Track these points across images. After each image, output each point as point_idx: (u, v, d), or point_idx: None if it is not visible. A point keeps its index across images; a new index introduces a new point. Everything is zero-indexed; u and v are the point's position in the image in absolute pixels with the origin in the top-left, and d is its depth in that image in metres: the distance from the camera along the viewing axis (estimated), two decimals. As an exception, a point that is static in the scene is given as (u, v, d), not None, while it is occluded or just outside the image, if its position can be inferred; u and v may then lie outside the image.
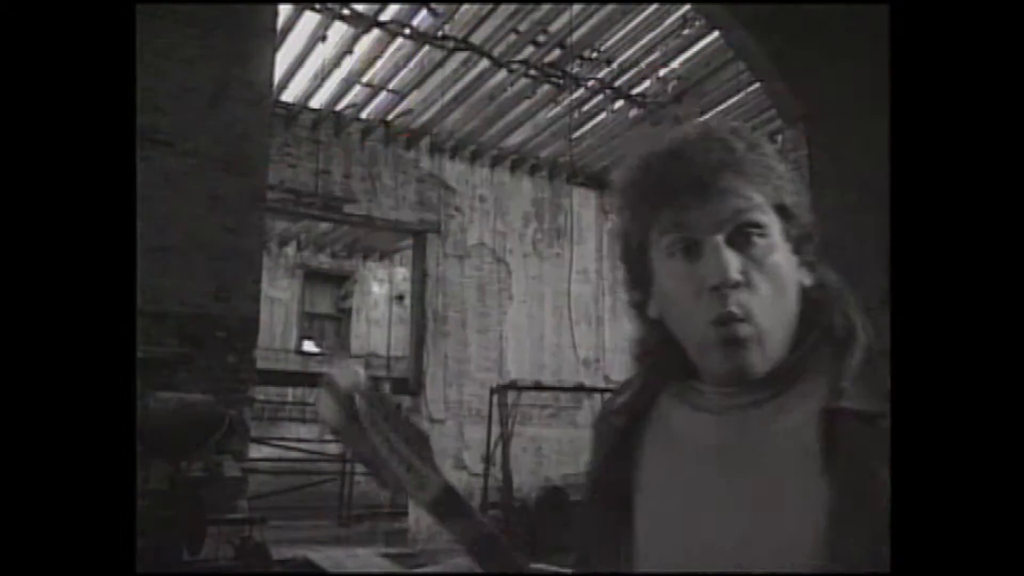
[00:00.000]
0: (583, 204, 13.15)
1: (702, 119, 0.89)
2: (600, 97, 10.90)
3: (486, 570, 0.90)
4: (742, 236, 0.83)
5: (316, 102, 10.88)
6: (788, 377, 0.85)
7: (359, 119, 11.22)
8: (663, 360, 0.94)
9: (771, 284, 0.82)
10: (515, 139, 12.15)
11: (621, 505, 0.93)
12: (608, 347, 12.88)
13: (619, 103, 11.05)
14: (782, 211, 0.86)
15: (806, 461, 0.79)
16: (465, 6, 9.35)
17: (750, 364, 0.82)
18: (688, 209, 0.83)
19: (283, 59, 9.02)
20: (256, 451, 8.58)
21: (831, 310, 0.87)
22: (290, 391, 14.99)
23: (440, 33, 9.58)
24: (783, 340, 0.84)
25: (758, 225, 0.83)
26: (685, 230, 0.83)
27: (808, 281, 0.87)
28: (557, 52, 9.92)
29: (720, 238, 0.82)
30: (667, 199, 0.84)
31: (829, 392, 0.81)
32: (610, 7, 9.15)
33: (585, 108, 11.16)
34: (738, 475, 0.84)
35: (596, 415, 1.05)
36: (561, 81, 10.44)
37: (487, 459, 10.04)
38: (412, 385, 11.53)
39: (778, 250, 0.84)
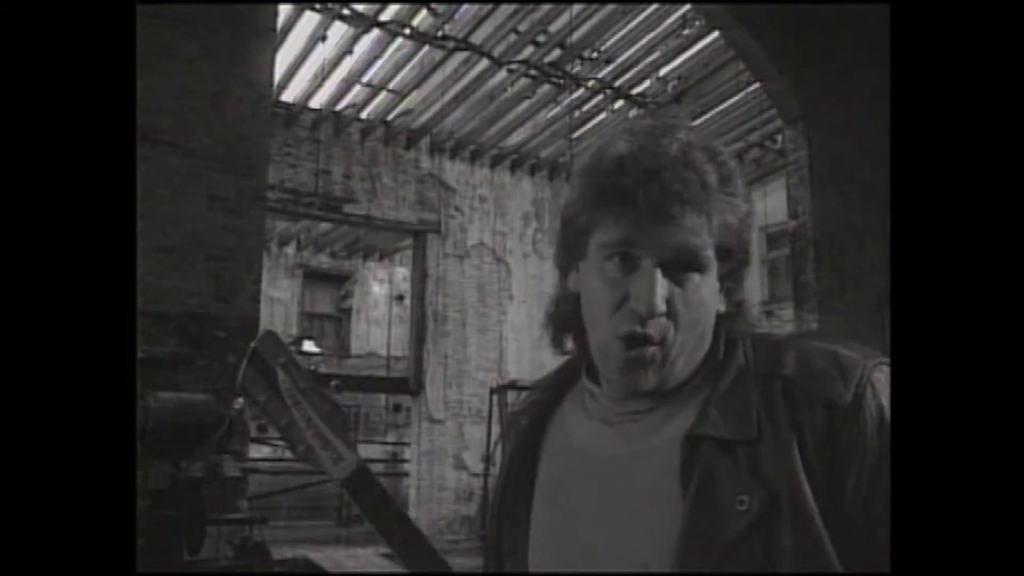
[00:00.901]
0: (583, 204, 13.13)
1: (689, 135, 0.88)
2: (600, 97, 10.90)
3: (407, 563, 0.92)
4: (679, 268, 0.83)
5: (316, 102, 10.88)
6: (673, 392, 0.86)
7: (359, 119, 11.22)
8: (570, 328, 0.94)
9: (692, 317, 0.83)
10: (515, 139, 12.15)
11: (522, 512, 0.94)
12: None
13: (619, 103, 11.05)
14: (724, 252, 0.85)
15: (668, 481, 0.81)
16: (465, 6, 9.34)
17: (647, 384, 0.83)
18: (639, 227, 0.82)
19: (283, 59, 9.02)
20: (256, 451, 8.58)
21: (730, 332, 0.88)
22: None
23: (440, 33, 9.58)
24: (687, 365, 0.85)
25: (699, 263, 0.83)
26: (627, 245, 0.83)
27: (723, 308, 0.88)
28: (557, 52, 9.92)
29: (656, 265, 0.82)
30: (623, 210, 0.82)
31: (696, 416, 0.83)
32: (610, 7, 9.15)
33: (585, 108, 11.16)
34: (614, 487, 0.85)
35: (507, 418, 1.07)
36: (561, 81, 10.44)
37: (487, 459, 10.04)
38: (412, 385, 11.53)
39: (707, 285, 0.84)
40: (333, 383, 0.98)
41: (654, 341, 0.82)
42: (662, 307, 0.81)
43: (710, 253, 0.83)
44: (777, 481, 0.76)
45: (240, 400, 0.93)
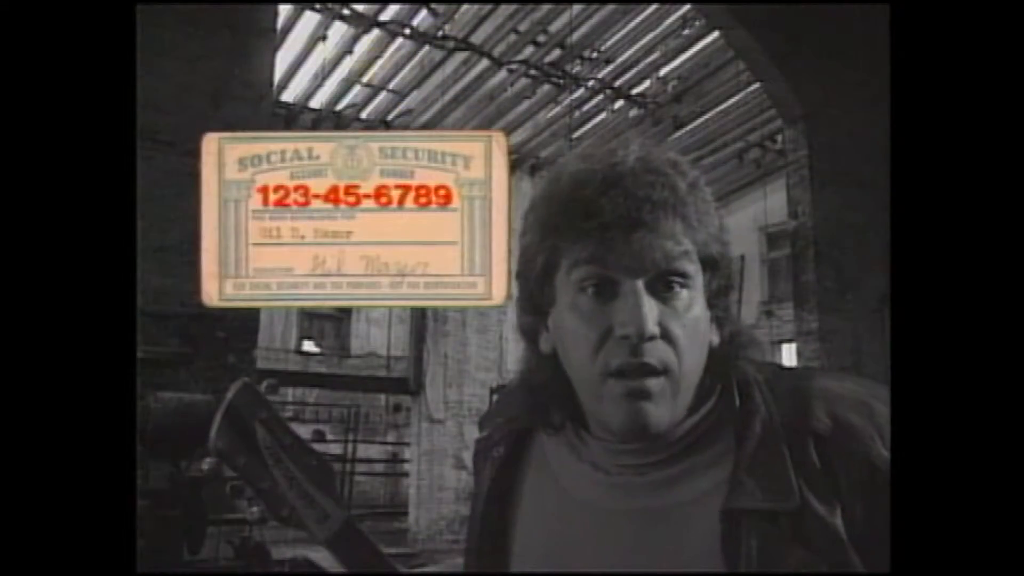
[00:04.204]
0: (583, 204, 13.14)
1: (645, 148, 0.79)
2: (600, 97, 10.90)
3: None
4: (664, 284, 0.74)
5: (316, 102, 10.87)
6: (684, 444, 0.77)
7: (359, 119, 11.22)
8: (549, 396, 0.83)
9: (688, 340, 0.74)
10: (515, 139, 12.13)
11: (501, 553, 0.85)
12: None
13: (619, 103, 11.05)
14: (709, 263, 0.77)
15: (690, 549, 0.73)
16: (465, 6, 9.34)
17: (656, 422, 0.73)
18: (612, 245, 0.73)
19: (283, 59, 9.02)
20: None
21: (734, 369, 0.80)
22: (290, 391, 14.99)
23: (440, 33, 9.58)
24: (689, 401, 0.77)
25: (683, 275, 0.75)
26: (603, 267, 0.74)
27: (716, 339, 0.79)
28: (557, 52, 9.92)
29: (641, 283, 0.73)
30: (590, 229, 0.74)
31: (729, 487, 0.73)
32: (610, 7, 9.14)
33: (585, 108, 11.16)
34: (618, 546, 0.77)
35: (475, 446, 0.95)
36: (561, 81, 10.43)
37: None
38: (412, 385, 11.53)
39: (698, 304, 0.76)
40: (267, 382, 0.86)
41: (657, 370, 0.73)
42: (654, 328, 0.72)
43: (694, 261, 0.75)
44: (827, 550, 0.69)
45: (208, 461, 0.82)
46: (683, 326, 0.74)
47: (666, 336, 0.73)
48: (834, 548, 0.69)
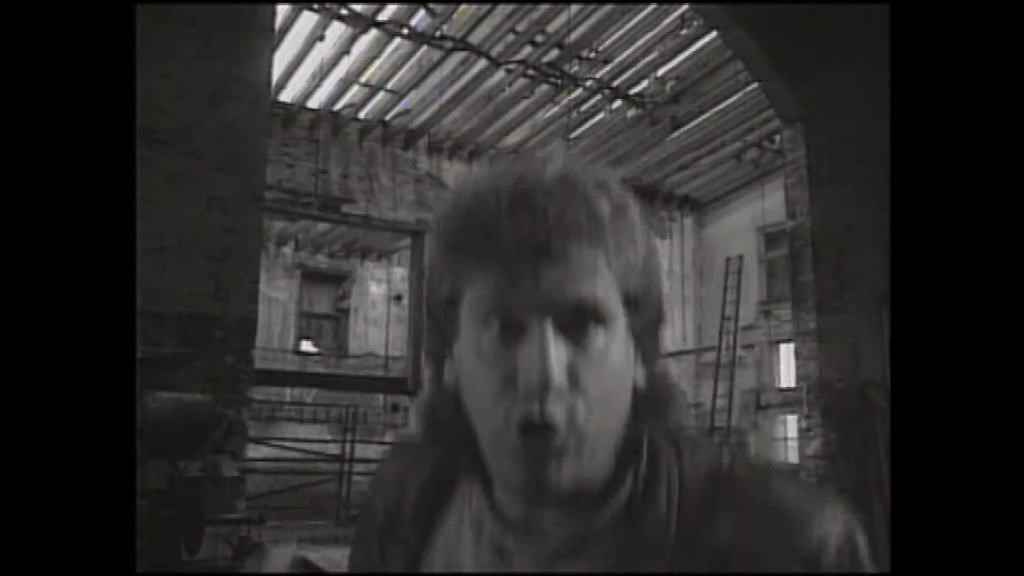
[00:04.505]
0: (581, 204, 13.15)
1: (570, 163, 0.66)
2: (598, 97, 10.91)
3: None
4: (578, 324, 0.64)
5: (314, 102, 10.88)
6: (591, 539, 0.67)
7: (357, 119, 11.23)
8: (454, 442, 0.73)
9: (603, 387, 0.64)
10: (513, 139, 12.14)
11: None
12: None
13: (617, 103, 11.06)
14: (632, 298, 0.67)
15: None
16: (463, 6, 9.35)
17: (556, 481, 0.64)
18: (517, 279, 0.63)
19: (281, 59, 9.02)
20: (254, 451, 8.58)
21: (660, 416, 0.71)
22: (288, 391, 14.98)
23: (438, 33, 9.58)
24: (604, 454, 0.67)
25: (600, 314, 0.64)
26: (506, 304, 0.64)
27: (642, 381, 0.69)
28: (555, 52, 9.92)
29: (549, 324, 0.63)
30: (492, 259, 0.64)
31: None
32: (608, 7, 9.15)
33: (583, 108, 11.17)
34: None
35: (368, 510, 0.83)
36: (559, 81, 10.44)
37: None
38: (410, 385, 11.53)
39: (617, 345, 0.66)
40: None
41: (559, 428, 0.62)
42: (560, 377, 0.62)
43: (614, 299, 0.65)
44: None
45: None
46: (595, 370, 0.64)
47: (574, 384, 0.63)
48: None
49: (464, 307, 0.67)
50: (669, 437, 0.71)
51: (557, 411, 0.62)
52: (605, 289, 0.64)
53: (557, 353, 0.62)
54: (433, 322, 0.72)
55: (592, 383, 0.64)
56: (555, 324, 0.63)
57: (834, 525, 0.64)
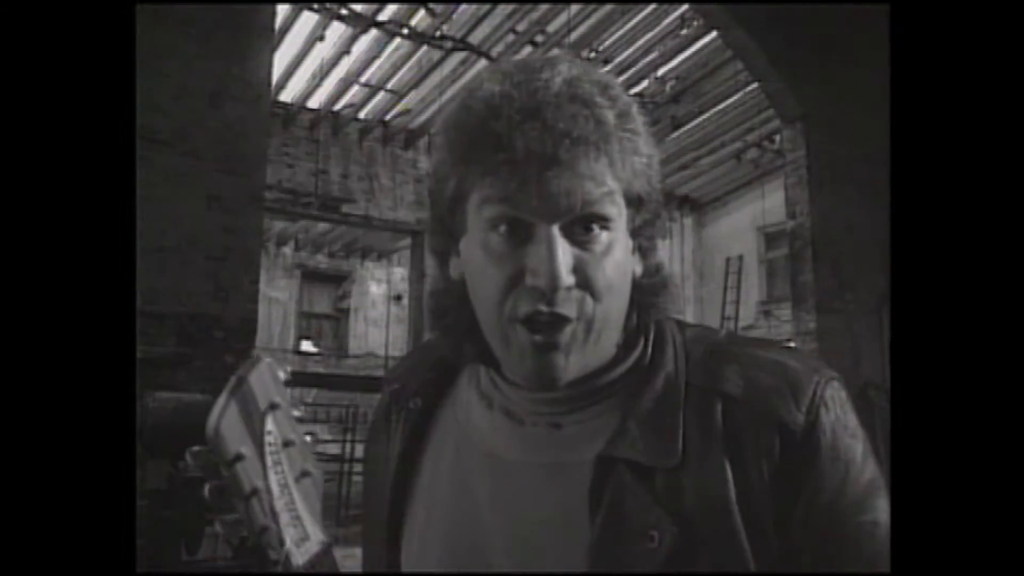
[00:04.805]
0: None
1: (575, 67, 0.69)
2: (598, 97, 10.91)
3: None
4: (583, 227, 0.68)
5: (314, 102, 10.88)
6: (605, 395, 0.73)
7: (357, 119, 11.23)
8: (457, 325, 0.77)
9: (605, 283, 0.68)
10: (513, 139, 12.14)
11: (400, 514, 0.79)
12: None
13: (617, 103, 11.06)
14: (634, 201, 0.71)
15: (578, 508, 0.68)
16: (463, 6, 9.35)
17: (566, 373, 0.68)
18: (525, 184, 0.66)
19: (281, 59, 9.02)
20: (254, 451, 8.58)
21: (655, 305, 0.75)
22: (288, 391, 15.00)
23: (438, 33, 9.58)
24: (608, 343, 0.71)
25: (604, 218, 0.68)
26: (515, 209, 0.67)
27: (639, 270, 0.74)
28: (555, 52, 9.92)
29: (556, 228, 0.66)
30: (502, 164, 0.66)
31: (614, 431, 0.69)
32: (608, 7, 9.15)
33: (583, 108, 11.16)
34: (518, 502, 0.72)
35: (386, 398, 0.86)
36: (559, 81, 10.44)
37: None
38: (410, 385, 11.52)
39: (619, 244, 0.70)
40: (287, 370, 0.75)
41: (570, 319, 0.67)
42: (569, 279, 0.66)
43: (618, 203, 0.69)
44: (699, 515, 0.65)
45: (196, 450, 0.69)
46: (602, 271, 0.68)
47: (582, 283, 0.67)
48: (714, 515, 0.65)
49: (470, 208, 0.70)
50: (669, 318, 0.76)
51: (565, 307, 0.67)
52: (610, 194, 0.68)
53: (564, 255, 0.66)
54: (437, 220, 0.75)
55: (598, 280, 0.68)
56: (561, 228, 0.67)
57: (829, 386, 0.70)
